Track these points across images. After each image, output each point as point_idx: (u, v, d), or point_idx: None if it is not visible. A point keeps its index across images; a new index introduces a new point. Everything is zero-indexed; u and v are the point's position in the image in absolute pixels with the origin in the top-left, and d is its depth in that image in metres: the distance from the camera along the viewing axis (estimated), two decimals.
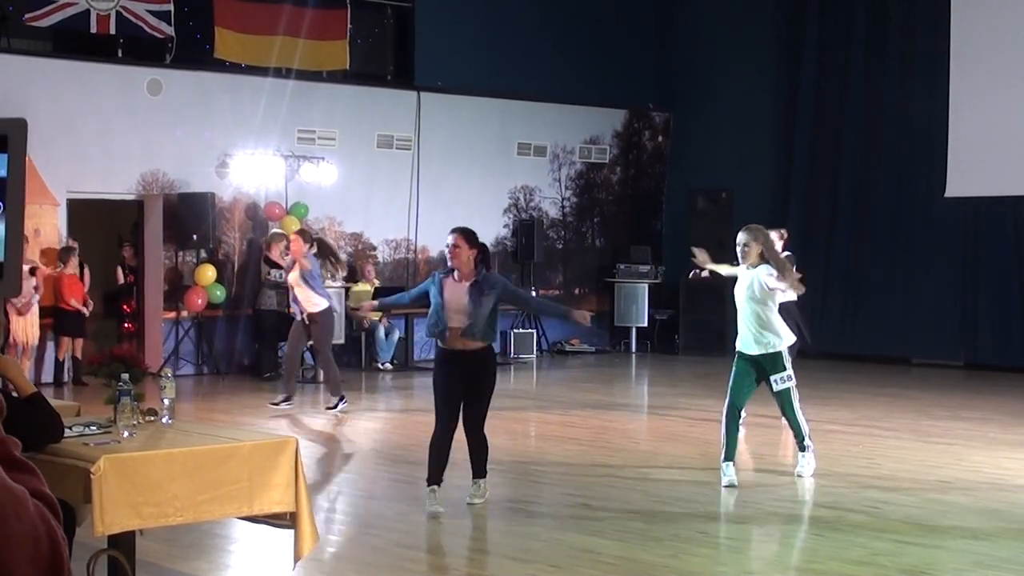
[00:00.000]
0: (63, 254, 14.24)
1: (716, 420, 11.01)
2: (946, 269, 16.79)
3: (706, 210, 18.68)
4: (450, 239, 7.82)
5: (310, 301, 12.06)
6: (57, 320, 14.31)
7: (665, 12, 20.14)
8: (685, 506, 8.10)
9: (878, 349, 16.99)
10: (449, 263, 7.88)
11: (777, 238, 11.67)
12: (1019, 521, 7.67)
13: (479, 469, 7.97)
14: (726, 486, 8.46)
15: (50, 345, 14.42)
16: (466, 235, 7.85)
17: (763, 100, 18.82)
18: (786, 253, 11.59)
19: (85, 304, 14.34)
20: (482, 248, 7.89)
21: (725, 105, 19.13)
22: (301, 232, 12.70)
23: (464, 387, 7.71)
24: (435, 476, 7.71)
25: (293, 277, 12.19)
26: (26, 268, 13.23)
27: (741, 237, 8.69)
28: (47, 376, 14.32)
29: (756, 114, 18.83)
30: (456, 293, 7.72)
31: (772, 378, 8.63)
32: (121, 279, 16.13)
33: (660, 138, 20.32)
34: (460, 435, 7.76)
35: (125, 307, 16.12)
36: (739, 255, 8.67)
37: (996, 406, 12.93)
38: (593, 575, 6.39)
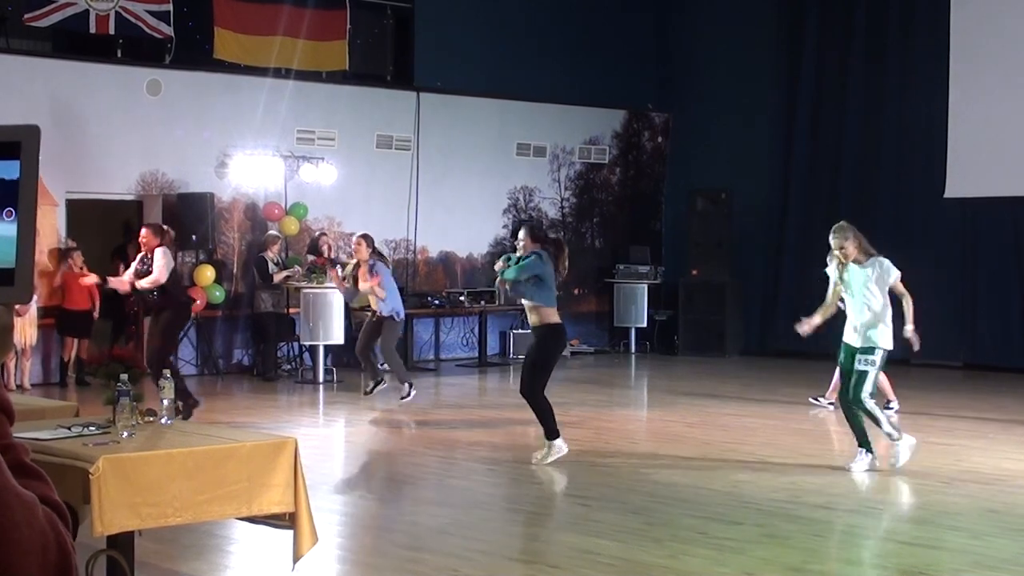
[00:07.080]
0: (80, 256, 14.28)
1: (716, 420, 11.01)
2: (945, 269, 16.77)
3: (705, 210, 18.69)
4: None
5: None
6: (61, 321, 14.27)
7: (664, 13, 20.12)
8: (684, 507, 8.10)
9: None
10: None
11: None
12: (1018, 521, 7.67)
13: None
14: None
15: (55, 346, 14.40)
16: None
17: (762, 101, 18.82)
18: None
19: (92, 305, 14.34)
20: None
21: (724, 106, 19.13)
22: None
23: None
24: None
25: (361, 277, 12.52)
26: None
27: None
28: (54, 377, 14.32)
29: (755, 115, 18.82)
30: None
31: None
32: (122, 272, 16.16)
33: (659, 138, 20.32)
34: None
35: (130, 307, 16.12)
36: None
37: (995, 406, 12.94)
38: (592, 575, 6.39)
